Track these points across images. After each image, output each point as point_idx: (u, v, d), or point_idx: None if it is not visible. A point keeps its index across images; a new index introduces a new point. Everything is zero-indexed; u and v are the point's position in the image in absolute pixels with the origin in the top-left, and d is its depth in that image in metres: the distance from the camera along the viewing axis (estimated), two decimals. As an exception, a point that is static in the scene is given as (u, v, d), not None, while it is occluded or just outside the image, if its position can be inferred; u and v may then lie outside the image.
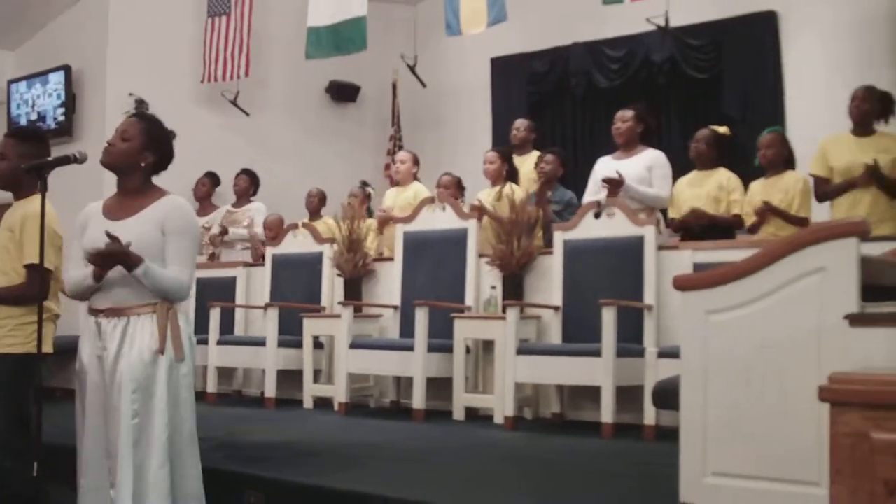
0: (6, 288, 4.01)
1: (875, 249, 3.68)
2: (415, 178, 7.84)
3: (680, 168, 6.53)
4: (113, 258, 3.27)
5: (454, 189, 7.44)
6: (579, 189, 6.72)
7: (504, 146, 7.40)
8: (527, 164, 7.22)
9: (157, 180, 3.60)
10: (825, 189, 6.01)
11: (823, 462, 2.40)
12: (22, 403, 3.96)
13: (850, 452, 2.30)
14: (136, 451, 3.24)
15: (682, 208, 6.30)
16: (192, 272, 3.44)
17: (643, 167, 6.34)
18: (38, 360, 3.64)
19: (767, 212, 5.87)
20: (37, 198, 3.63)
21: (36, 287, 3.78)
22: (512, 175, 6.99)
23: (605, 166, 6.45)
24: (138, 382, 3.26)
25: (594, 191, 6.42)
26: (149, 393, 3.28)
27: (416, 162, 7.86)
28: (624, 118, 6.48)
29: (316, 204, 8.53)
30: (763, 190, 6.07)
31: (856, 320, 2.82)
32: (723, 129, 6.46)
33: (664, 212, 6.43)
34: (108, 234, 3.25)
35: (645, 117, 6.51)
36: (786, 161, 6.12)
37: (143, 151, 3.46)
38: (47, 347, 3.98)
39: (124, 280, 3.32)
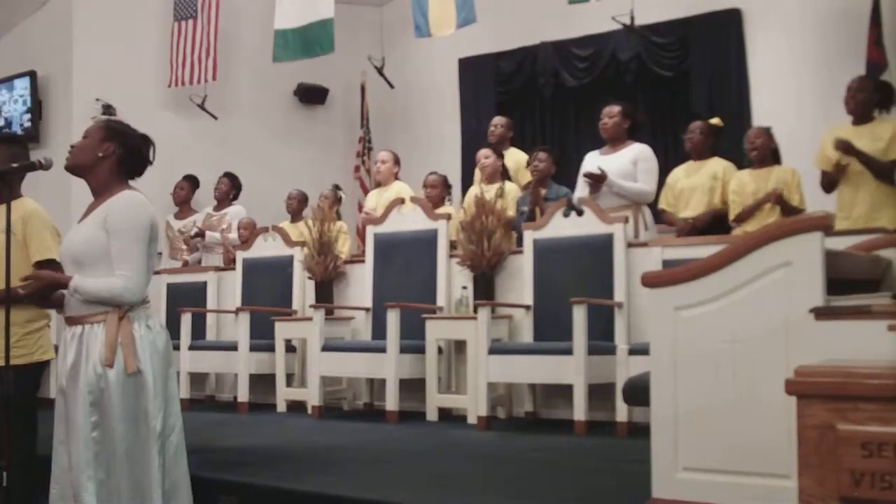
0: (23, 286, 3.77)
1: (845, 243, 3.73)
2: (396, 177, 7.82)
3: (663, 163, 6.57)
4: (44, 290, 3.25)
5: (441, 188, 7.44)
6: (572, 184, 6.73)
7: (472, 146, 7.39)
8: (507, 161, 7.23)
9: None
10: (825, 179, 6.05)
11: (792, 454, 2.43)
12: (31, 414, 3.93)
13: (816, 444, 2.33)
14: (97, 463, 3.18)
15: (678, 198, 6.36)
16: (133, 273, 3.25)
17: (628, 161, 6.36)
18: (6, 370, 3.58)
19: (776, 202, 5.90)
20: (25, 200, 3.60)
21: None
22: (503, 174, 7.00)
23: (592, 161, 6.49)
24: (94, 395, 3.19)
25: (583, 186, 6.43)
26: (105, 405, 3.19)
27: (396, 161, 7.85)
28: (610, 114, 6.49)
29: (296, 206, 8.51)
30: (755, 182, 6.13)
31: (821, 314, 2.85)
32: (715, 120, 6.52)
33: (652, 206, 6.46)
34: (32, 275, 3.24)
35: (631, 112, 6.54)
36: (773, 154, 6.20)
37: (102, 143, 3.38)
38: (49, 354, 3.96)
39: None
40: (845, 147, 5.76)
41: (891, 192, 5.79)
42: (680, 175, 6.46)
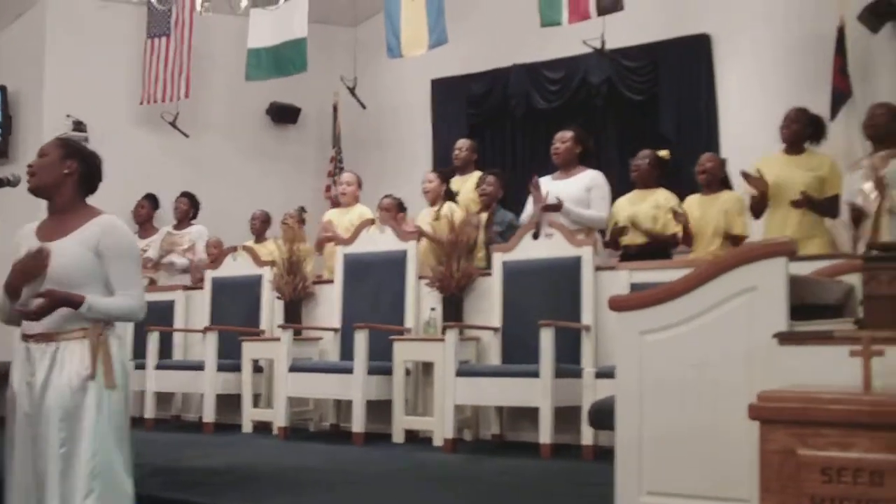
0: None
1: (803, 268, 3.75)
2: (357, 200, 7.82)
3: (617, 188, 6.62)
4: (54, 309, 3.20)
5: (395, 211, 7.44)
6: (519, 210, 6.76)
7: (444, 167, 7.41)
8: (469, 184, 7.24)
9: (94, 202, 3.53)
10: (756, 205, 6.12)
11: (755, 479, 2.44)
12: None
13: (777, 469, 2.35)
14: (63, 481, 3.13)
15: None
16: (141, 293, 3.35)
17: (582, 188, 6.39)
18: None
19: (728, 239, 5.98)
20: None
21: None
22: (448, 196, 7.02)
23: (545, 186, 6.50)
24: (66, 410, 3.15)
25: (532, 212, 6.45)
26: (76, 420, 3.16)
27: (360, 184, 7.85)
28: (563, 139, 6.54)
29: (259, 226, 8.48)
30: (701, 207, 6.19)
31: (785, 339, 2.88)
32: (663, 153, 6.55)
33: (602, 232, 6.49)
34: (39, 293, 3.17)
35: (583, 139, 6.58)
36: (722, 181, 6.27)
37: (64, 160, 3.35)
38: None
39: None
40: (806, 202, 5.84)
41: (818, 220, 5.94)
42: (624, 204, 6.47)
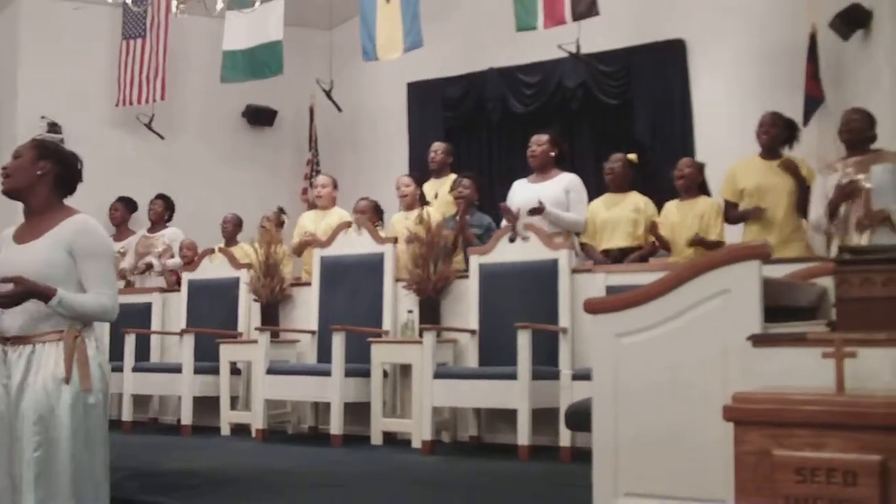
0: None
1: (777, 271, 3.80)
2: (334, 202, 7.82)
3: (593, 192, 6.66)
4: (23, 297, 3.18)
5: (371, 214, 7.45)
6: (497, 212, 6.80)
7: (420, 170, 7.41)
8: (445, 187, 7.27)
9: (70, 203, 3.51)
10: (733, 213, 6.19)
11: (730, 480, 2.47)
12: None
13: (752, 470, 2.38)
14: (39, 484, 3.11)
15: (597, 230, 6.43)
16: (114, 293, 3.31)
17: (560, 191, 6.44)
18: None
19: (697, 244, 6.02)
20: None
21: None
22: (422, 200, 7.03)
23: (522, 189, 6.55)
24: (41, 413, 3.13)
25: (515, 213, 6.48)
26: (52, 424, 3.14)
27: (336, 186, 7.85)
28: (539, 142, 6.59)
29: (231, 230, 8.46)
30: (679, 212, 6.25)
31: (759, 341, 2.91)
32: (632, 157, 6.61)
33: (578, 235, 6.54)
34: (9, 278, 3.13)
35: (559, 142, 6.63)
36: (700, 186, 6.32)
37: (37, 161, 3.34)
38: None
39: (31, 306, 3.20)
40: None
41: (798, 225, 6.02)
42: (600, 207, 6.53)
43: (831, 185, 5.52)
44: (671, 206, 6.37)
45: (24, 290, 3.15)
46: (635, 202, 6.43)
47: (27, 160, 3.36)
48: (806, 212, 5.88)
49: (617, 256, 6.28)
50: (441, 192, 7.24)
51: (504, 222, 6.50)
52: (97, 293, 3.26)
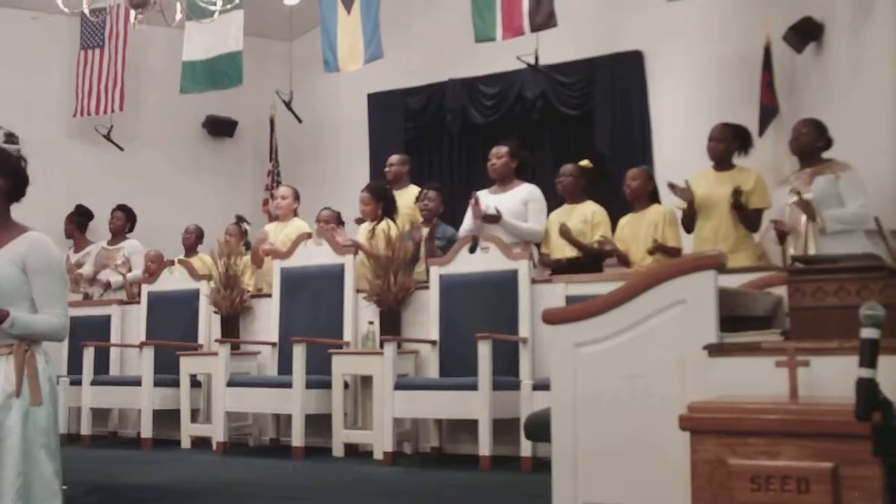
0: None
1: (732, 280, 3.85)
2: (295, 213, 7.80)
3: (553, 202, 6.72)
4: None
5: (334, 223, 7.44)
6: (457, 223, 6.82)
7: (377, 183, 7.36)
8: (403, 198, 7.24)
9: (22, 213, 3.47)
10: (683, 216, 6.24)
11: (688, 488, 2.50)
12: None
13: (708, 478, 2.42)
14: None
15: (551, 241, 6.47)
16: (64, 311, 3.27)
17: (519, 201, 6.49)
18: None
19: (657, 251, 6.04)
20: None
21: None
22: (389, 211, 7.01)
23: (482, 200, 6.57)
24: None
25: (470, 225, 6.52)
26: (2, 438, 3.09)
27: (297, 197, 7.82)
28: (498, 154, 6.62)
29: (193, 240, 8.44)
30: (631, 224, 6.30)
31: (714, 350, 2.95)
32: (584, 162, 6.66)
33: (538, 245, 6.58)
34: None
35: (519, 152, 6.67)
36: (651, 195, 6.36)
37: None
38: None
39: None
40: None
41: (746, 234, 6.06)
42: (554, 219, 6.57)
43: (784, 201, 5.59)
44: (624, 220, 6.41)
45: None
46: (585, 212, 6.47)
47: None
48: (753, 227, 6.01)
49: (565, 266, 6.29)
50: (402, 204, 7.22)
51: (463, 229, 6.51)
52: (48, 313, 3.22)
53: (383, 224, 6.73)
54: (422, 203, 6.93)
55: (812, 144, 5.69)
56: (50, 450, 3.19)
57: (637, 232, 6.24)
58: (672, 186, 6.06)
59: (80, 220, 8.96)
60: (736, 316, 3.27)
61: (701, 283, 3.07)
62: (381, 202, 6.96)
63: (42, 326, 3.21)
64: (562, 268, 6.28)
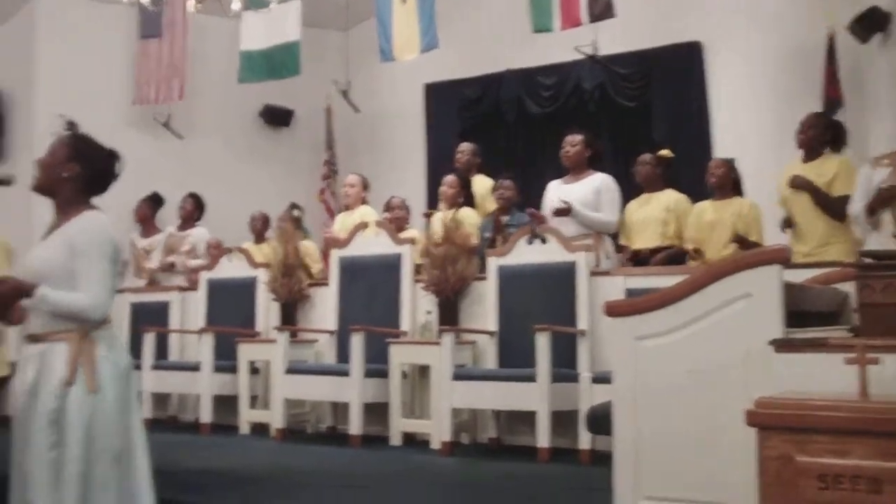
0: None
1: (803, 276, 3.82)
2: (364, 201, 7.83)
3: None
4: (10, 297, 3.18)
5: (404, 211, 7.49)
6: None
7: (438, 170, 7.39)
8: (473, 187, 7.26)
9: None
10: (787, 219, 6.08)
11: (751, 485, 2.49)
12: None
13: (776, 475, 2.40)
14: (51, 485, 3.11)
15: (631, 231, 6.43)
16: (100, 291, 3.21)
17: (591, 191, 6.46)
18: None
19: (737, 242, 5.94)
20: None
21: None
22: (468, 200, 7.02)
23: (554, 190, 6.58)
24: (52, 414, 3.12)
25: (547, 215, 6.51)
26: (62, 425, 3.13)
27: (364, 185, 7.86)
28: (573, 142, 6.60)
29: (260, 227, 8.53)
30: (711, 212, 6.22)
31: (781, 346, 2.93)
32: (664, 152, 6.62)
33: (614, 237, 6.55)
34: None
35: (592, 142, 6.64)
36: (733, 186, 6.27)
37: (66, 163, 3.31)
38: (3, 370, 3.90)
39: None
40: (801, 184, 5.84)
41: (839, 227, 5.78)
42: (633, 208, 6.54)
43: (878, 179, 5.15)
44: (705, 205, 6.30)
45: (6, 288, 3.16)
46: (666, 201, 6.42)
47: (56, 160, 3.34)
48: (837, 215, 5.76)
49: (647, 257, 6.26)
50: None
51: None
52: (83, 292, 3.20)
53: (464, 211, 6.74)
54: (497, 192, 6.92)
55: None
56: (108, 437, 3.18)
57: (721, 220, 6.13)
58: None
59: (153, 206, 9.07)
60: (801, 311, 3.23)
61: (766, 277, 3.05)
62: (465, 189, 6.98)
63: (68, 304, 3.19)
64: (643, 259, 6.24)
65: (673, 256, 6.32)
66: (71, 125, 9.07)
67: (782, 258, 3.07)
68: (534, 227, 6.18)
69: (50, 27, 9.30)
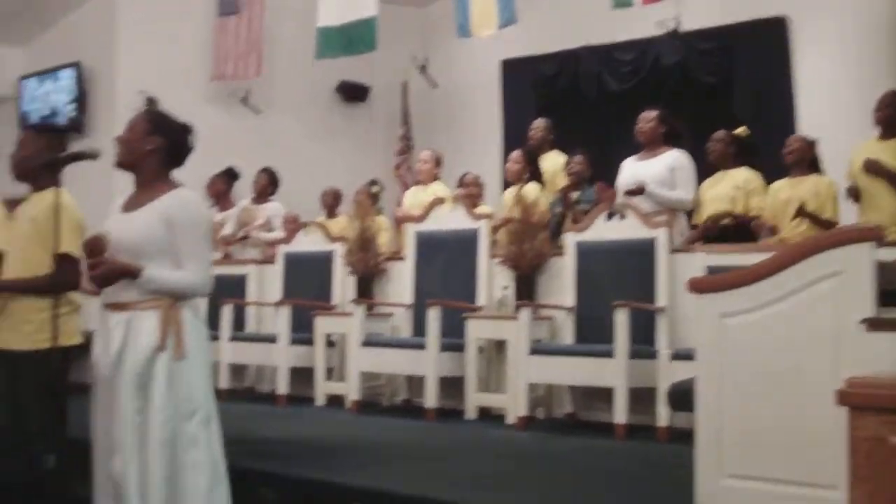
0: (37, 278, 3.92)
1: (891, 254, 3.72)
2: (436, 178, 7.85)
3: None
4: (113, 276, 3.25)
5: (481, 187, 7.49)
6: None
7: (514, 147, 7.37)
8: (545, 163, 7.26)
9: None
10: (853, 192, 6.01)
11: (840, 465, 2.44)
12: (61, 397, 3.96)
13: (868, 456, 2.34)
14: (138, 448, 3.19)
15: (703, 210, 6.37)
16: (205, 268, 3.35)
17: (665, 168, 6.38)
18: (56, 352, 3.64)
19: (802, 215, 5.88)
20: (56, 191, 3.61)
21: (66, 276, 3.80)
22: (535, 176, 7.00)
23: (628, 167, 6.53)
24: (139, 380, 3.21)
25: (621, 193, 6.46)
26: (148, 391, 3.21)
27: (438, 162, 7.88)
28: (647, 118, 6.52)
29: (331, 202, 8.60)
30: (786, 190, 6.12)
31: (872, 325, 2.86)
32: (740, 130, 6.51)
33: (689, 214, 6.47)
34: (102, 261, 3.22)
35: (667, 119, 6.55)
36: (811, 164, 6.16)
37: (147, 136, 3.40)
38: (75, 339, 4.00)
39: None
40: (876, 169, 5.72)
41: None
42: (707, 186, 6.45)
43: None
44: (781, 183, 6.20)
45: (113, 270, 3.23)
46: (737, 178, 6.33)
47: (138, 134, 3.42)
48: None
49: (717, 235, 6.16)
50: (543, 169, 7.19)
51: None
52: (189, 270, 3.30)
53: (529, 187, 6.71)
54: (569, 167, 6.89)
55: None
56: (194, 403, 3.27)
57: (793, 198, 6.02)
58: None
59: (228, 181, 9.18)
60: (892, 290, 3.16)
61: (858, 254, 2.99)
62: (531, 165, 6.95)
63: (178, 283, 3.29)
64: (712, 236, 6.15)
65: (736, 227, 6.20)
66: (151, 101, 9.22)
67: (875, 236, 3.00)
68: (609, 204, 6.13)
69: (131, 5, 9.44)
